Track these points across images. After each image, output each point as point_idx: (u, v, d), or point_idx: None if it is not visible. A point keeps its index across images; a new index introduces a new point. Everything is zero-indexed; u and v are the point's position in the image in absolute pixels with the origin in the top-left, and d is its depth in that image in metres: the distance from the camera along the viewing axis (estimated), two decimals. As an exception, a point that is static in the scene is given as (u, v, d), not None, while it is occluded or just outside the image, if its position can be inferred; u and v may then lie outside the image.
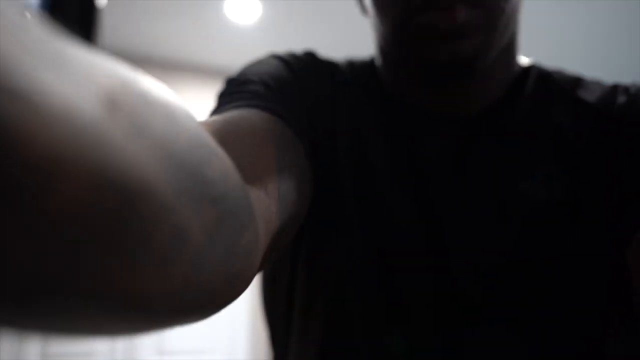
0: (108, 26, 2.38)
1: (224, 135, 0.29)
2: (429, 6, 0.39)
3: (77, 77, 0.12)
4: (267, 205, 0.28)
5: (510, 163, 0.44)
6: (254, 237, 0.24)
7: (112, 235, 0.13)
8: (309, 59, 0.49)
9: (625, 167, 0.43)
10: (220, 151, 0.20)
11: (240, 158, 0.28)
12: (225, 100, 0.38)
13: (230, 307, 2.50)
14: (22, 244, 0.10)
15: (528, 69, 0.49)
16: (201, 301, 0.20)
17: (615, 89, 0.46)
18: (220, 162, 0.20)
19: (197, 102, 2.72)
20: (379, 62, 0.50)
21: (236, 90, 0.39)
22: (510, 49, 0.46)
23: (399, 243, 0.43)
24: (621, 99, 0.44)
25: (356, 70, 0.51)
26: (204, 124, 0.30)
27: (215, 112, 0.36)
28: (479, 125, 0.46)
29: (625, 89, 0.45)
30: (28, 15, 0.11)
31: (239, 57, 2.69)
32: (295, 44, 2.55)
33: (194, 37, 2.50)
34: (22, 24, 0.11)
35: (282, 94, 0.41)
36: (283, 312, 0.49)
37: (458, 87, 0.44)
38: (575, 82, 0.48)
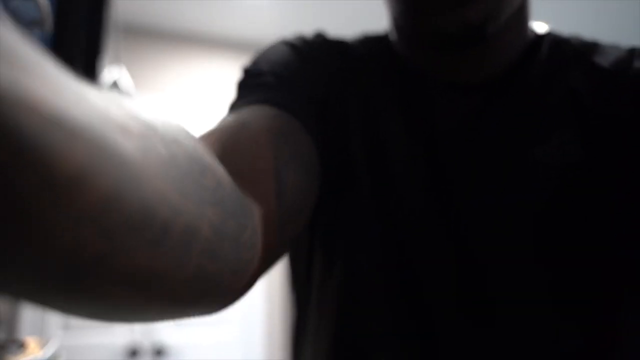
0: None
1: (226, 144, 0.33)
2: None
3: (98, 109, 0.15)
4: (265, 204, 0.31)
5: (524, 127, 0.43)
6: (254, 233, 0.28)
7: (134, 230, 0.16)
8: (319, 41, 0.49)
9: None
10: (214, 164, 0.25)
11: (239, 165, 0.32)
12: (241, 93, 0.42)
13: (245, 279, 2.55)
14: (67, 233, 0.14)
15: (543, 36, 0.48)
16: (214, 291, 0.24)
17: (632, 53, 0.45)
18: (214, 173, 0.24)
19: (213, 74, 2.71)
20: (393, 35, 0.49)
21: (250, 84, 0.42)
22: (521, 15, 0.45)
23: (416, 231, 0.43)
24: (637, 63, 0.44)
25: (370, 44, 0.51)
26: (211, 134, 0.35)
27: (234, 106, 0.41)
28: (492, 91, 0.45)
29: None
30: (47, 56, 0.15)
31: (256, 28, 2.66)
32: (311, 16, 2.52)
33: (208, 10, 2.47)
34: (43, 63, 0.14)
35: (292, 85, 0.43)
36: (303, 289, 0.51)
37: (471, 54, 0.44)
38: (592, 47, 0.47)
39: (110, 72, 1.45)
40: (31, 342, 1.14)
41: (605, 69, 0.44)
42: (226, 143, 0.33)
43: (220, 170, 0.26)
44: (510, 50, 0.46)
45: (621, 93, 0.43)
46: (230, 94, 2.72)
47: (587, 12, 2.50)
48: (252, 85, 0.42)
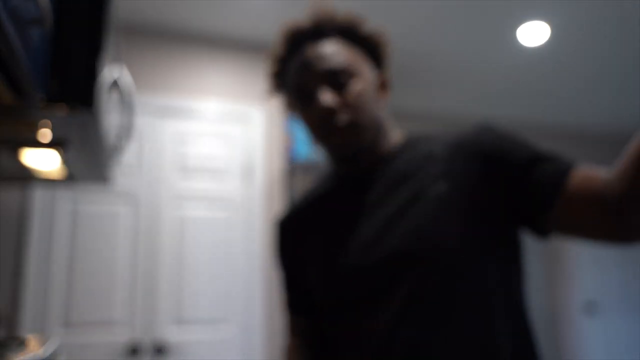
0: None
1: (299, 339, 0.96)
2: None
3: None
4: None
5: (405, 179, 0.80)
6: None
7: None
8: (278, 226, 0.96)
9: (484, 168, 0.76)
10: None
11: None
12: (287, 309, 0.97)
13: (246, 278, 2.55)
14: None
15: (407, 136, 0.88)
16: None
17: (467, 130, 0.82)
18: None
19: (213, 74, 2.72)
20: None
21: (285, 299, 0.97)
22: (384, 132, 0.85)
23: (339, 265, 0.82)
24: (462, 133, 0.81)
25: (325, 173, 0.95)
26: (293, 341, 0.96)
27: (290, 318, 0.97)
28: (377, 167, 0.85)
29: (465, 131, 0.82)
30: None
31: (256, 28, 2.67)
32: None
33: (209, 9, 2.48)
34: None
35: (288, 288, 0.95)
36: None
37: (361, 158, 0.84)
38: (439, 134, 0.85)
39: (110, 72, 1.45)
40: (31, 340, 1.14)
41: (449, 141, 0.81)
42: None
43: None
44: (382, 150, 0.85)
45: (458, 151, 0.79)
46: (230, 93, 2.73)
47: (588, 12, 2.50)
48: (286, 302, 0.97)
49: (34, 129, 0.89)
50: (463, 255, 0.72)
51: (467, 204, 0.74)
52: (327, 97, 0.79)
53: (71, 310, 2.26)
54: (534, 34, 2.69)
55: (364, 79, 0.82)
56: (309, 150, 2.89)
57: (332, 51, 0.82)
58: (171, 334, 2.37)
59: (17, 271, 2.21)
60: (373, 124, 0.82)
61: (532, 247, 4.09)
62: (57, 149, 1.06)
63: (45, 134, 0.94)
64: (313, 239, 0.87)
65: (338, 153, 0.81)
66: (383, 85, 0.87)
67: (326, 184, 0.91)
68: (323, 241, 0.85)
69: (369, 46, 0.87)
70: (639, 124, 4.23)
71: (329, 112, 0.78)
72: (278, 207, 2.69)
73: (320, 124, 0.80)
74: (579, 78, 3.30)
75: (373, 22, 2.61)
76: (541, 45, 2.84)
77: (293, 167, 2.76)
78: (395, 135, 0.88)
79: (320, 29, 0.84)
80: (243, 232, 2.60)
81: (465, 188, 0.75)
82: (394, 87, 3.40)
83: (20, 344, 1.11)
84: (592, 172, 0.68)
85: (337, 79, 0.80)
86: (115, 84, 1.38)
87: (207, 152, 2.63)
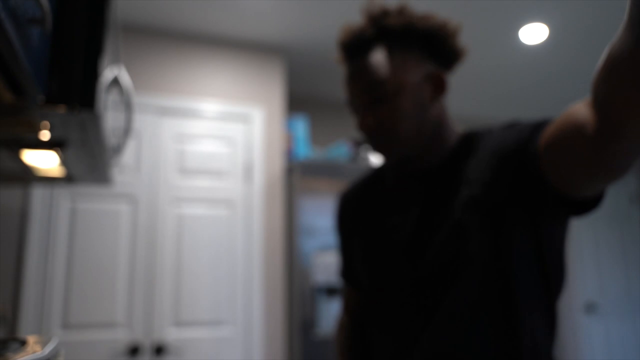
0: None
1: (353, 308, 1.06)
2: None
3: None
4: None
5: (446, 189, 0.83)
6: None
7: None
8: (341, 198, 1.05)
9: (509, 178, 0.77)
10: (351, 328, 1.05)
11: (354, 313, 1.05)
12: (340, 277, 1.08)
13: (246, 281, 2.55)
14: None
15: (462, 135, 0.89)
16: None
17: (494, 130, 0.86)
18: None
19: (213, 74, 2.71)
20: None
21: (340, 267, 1.07)
22: (438, 136, 0.87)
23: (386, 258, 0.88)
24: (498, 138, 0.83)
25: (377, 169, 1.01)
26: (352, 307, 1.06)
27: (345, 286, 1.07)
28: (428, 178, 0.87)
29: (495, 129, 0.86)
30: None
31: (256, 28, 2.66)
32: (312, 17, 2.51)
33: (209, 9, 2.47)
34: None
35: (342, 256, 1.04)
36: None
37: (412, 161, 0.89)
38: (482, 134, 0.87)
39: (110, 72, 1.45)
40: (31, 341, 1.14)
41: (489, 146, 0.82)
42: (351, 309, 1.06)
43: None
44: (435, 154, 0.87)
45: (492, 158, 0.81)
46: (230, 94, 2.72)
47: (587, 12, 2.50)
48: (340, 271, 1.07)
49: (34, 129, 0.88)
50: (497, 263, 0.75)
51: (499, 212, 0.77)
52: (366, 120, 0.84)
53: (70, 311, 2.26)
54: (533, 35, 2.69)
55: (408, 90, 0.83)
56: (308, 150, 2.89)
57: (375, 63, 0.83)
58: (170, 334, 2.37)
59: (18, 272, 2.21)
60: (420, 133, 0.84)
61: (532, 247, 4.08)
62: (56, 149, 1.05)
63: (45, 134, 0.93)
64: (365, 220, 0.94)
65: (386, 160, 0.87)
66: (439, 84, 0.86)
67: (387, 171, 0.96)
68: (371, 226, 0.92)
69: (429, 42, 0.86)
70: (638, 124, 4.22)
71: (369, 132, 0.84)
72: (278, 207, 2.69)
73: (365, 137, 0.86)
74: (579, 78, 3.30)
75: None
76: (540, 46, 2.84)
77: (293, 167, 2.76)
78: (453, 132, 0.89)
79: (367, 38, 0.85)
80: (243, 233, 2.60)
81: (496, 197, 0.77)
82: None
83: (20, 344, 1.11)
84: (574, 108, 0.66)
85: (377, 94, 0.83)
86: (115, 84, 1.38)
87: (207, 152, 2.62)
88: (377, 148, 0.85)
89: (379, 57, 0.84)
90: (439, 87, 0.86)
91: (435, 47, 0.86)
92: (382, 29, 0.85)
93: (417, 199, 0.86)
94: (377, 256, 0.88)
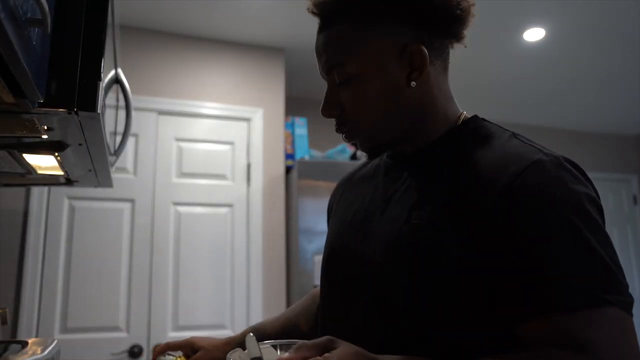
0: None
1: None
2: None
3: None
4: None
5: (413, 194, 0.73)
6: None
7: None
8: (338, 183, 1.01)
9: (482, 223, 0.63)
10: (306, 314, 1.04)
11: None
12: None
13: (245, 284, 2.54)
14: None
15: (466, 120, 0.79)
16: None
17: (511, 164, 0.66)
18: (309, 318, 1.02)
19: (213, 74, 2.71)
20: None
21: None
22: (419, 121, 0.74)
23: (341, 241, 0.84)
24: (511, 175, 0.63)
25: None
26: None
27: None
28: (412, 163, 0.77)
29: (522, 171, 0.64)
30: None
31: (256, 29, 2.66)
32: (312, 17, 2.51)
33: (209, 10, 2.47)
34: None
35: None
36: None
37: (401, 146, 0.79)
38: (492, 136, 0.74)
39: (110, 73, 1.45)
40: (31, 343, 1.14)
41: (474, 162, 0.68)
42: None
43: (311, 314, 1.02)
44: (414, 142, 0.77)
45: (460, 186, 0.67)
46: (230, 94, 2.72)
47: (588, 12, 2.50)
48: None
49: (34, 130, 0.88)
50: (439, 272, 0.65)
51: (457, 234, 0.64)
52: (323, 109, 0.74)
53: (69, 314, 2.25)
54: (533, 37, 2.69)
55: (373, 74, 0.69)
56: (308, 151, 2.89)
57: (335, 40, 0.72)
58: (171, 338, 2.36)
59: (19, 273, 2.20)
60: (392, 122, 0.72)
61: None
62: (56, 150, 1.05)
63: (44, 135, 0.93)
64: (341, 203, 0.91)
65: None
66: (418, 62, 0.70)
67: (379, 159, 0.88)
68: (343, 208, 0.88)
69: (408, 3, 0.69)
70: (638, 124, 4.23)
71: (328, 118, 0.76)
72: (278, 207, 2.69)
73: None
74: (578, 79, 3.30)
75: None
76: (540, 48, 2.84)
77: (293, 168, 2.76)
78: (446, 116, 0.77)
79: (330, 5, 0.73)
80: (242, 234, 2.59)
81: (466, 222, 0.64)
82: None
83: (21, 346, 1.10)
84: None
85: (338, 77, 0.71)
86: (115, 85, 1.38)
87: (206, 152, 2.62)
88: (344, 138, 0.77)
89: (339, 32, 0.71)
90: (418, 65, 0.70)
91: (419, 7, 0.69)
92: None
93: (382, 188, 0.80)
94: (332, 234, 0.87)
